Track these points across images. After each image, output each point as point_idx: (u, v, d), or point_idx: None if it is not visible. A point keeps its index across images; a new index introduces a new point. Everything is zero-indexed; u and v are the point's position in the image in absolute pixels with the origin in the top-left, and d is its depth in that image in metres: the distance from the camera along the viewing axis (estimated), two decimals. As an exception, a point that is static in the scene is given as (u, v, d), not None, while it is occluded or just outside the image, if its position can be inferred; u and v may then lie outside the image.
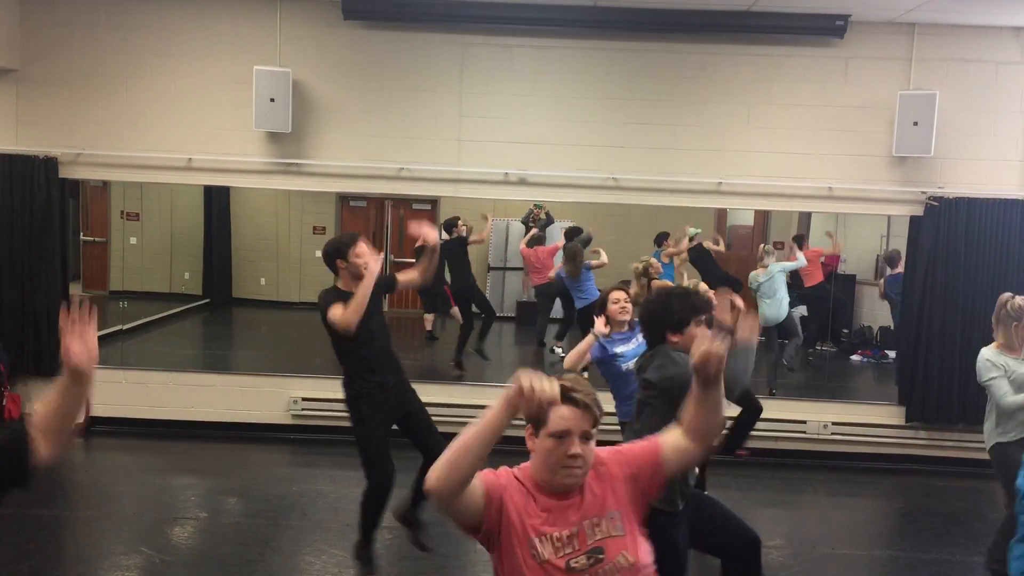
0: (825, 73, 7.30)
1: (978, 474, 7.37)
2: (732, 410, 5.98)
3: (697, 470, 4.95)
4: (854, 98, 7.30)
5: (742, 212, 12.09)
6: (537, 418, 2.29)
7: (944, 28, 7.20)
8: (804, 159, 7.35)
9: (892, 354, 9.26)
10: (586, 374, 5.03)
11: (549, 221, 11.74)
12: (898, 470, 7.46)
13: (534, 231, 11.47)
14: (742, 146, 7.37)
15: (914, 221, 7.41)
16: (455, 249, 9.91)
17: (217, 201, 11.56)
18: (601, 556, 2.26)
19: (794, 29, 7.16)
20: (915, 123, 7.01)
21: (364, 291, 4.64)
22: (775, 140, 7.35)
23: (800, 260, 9.57)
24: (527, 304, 11.85)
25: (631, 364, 4.74)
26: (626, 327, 4.92)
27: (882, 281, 10.22)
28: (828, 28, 7.09)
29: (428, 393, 7.63)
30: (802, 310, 10.22)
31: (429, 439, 4.90)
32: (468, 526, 2.31)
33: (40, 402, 2.24)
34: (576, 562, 2.24)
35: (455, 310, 10.42)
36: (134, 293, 10.58)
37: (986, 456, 5.07)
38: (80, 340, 2.22)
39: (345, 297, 4.76)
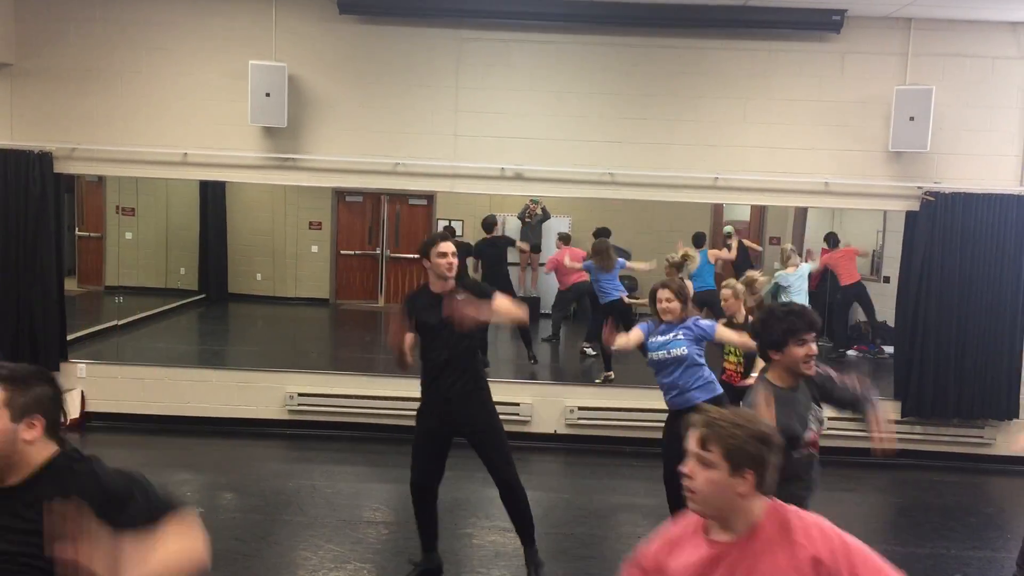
0: (821, 68, 7.30)
1: (973, 468, 7.40)
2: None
3: None
4: (850, 93, 7.30)
5: (738, 207, 12.12)
6: None
7: (940, 23, 7.20)
8: (800, 154, 7.35)
9: (889, 349, 9.27)
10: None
11: (545, 216, 11.76)
12: (894, 465, 7.46)
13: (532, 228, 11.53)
14: (738, 141, 7.37)
15: (910, 216, 7.42)
16: (494, 248, 9.90)
17: (213, 196, 11.56)
18: None
19: (790, 24, 7.15)
20: (911, 118, 7.01)
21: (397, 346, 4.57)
22: (771, 135, 7.35)
23: (812, 264, 9.65)
24: (523, 300, 11.86)
25: (654, 355, 5.01)
26: (670, 321, 5.06)
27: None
28: (824, 23, 7.09)
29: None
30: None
31: (494, 459, 4.78)
32: None
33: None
34: None
35: None
36: (129, 288, 10.59)
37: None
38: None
39: (419, 302, 4.68)
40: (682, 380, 4.96)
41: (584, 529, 5.76)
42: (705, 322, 5.09)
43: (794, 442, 3.29)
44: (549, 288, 11.56)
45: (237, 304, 12.59)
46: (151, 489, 2.27)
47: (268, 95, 7.06)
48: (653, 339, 5.06)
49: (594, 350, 9.88)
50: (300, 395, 7.59)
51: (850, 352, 10.55)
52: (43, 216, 7.36)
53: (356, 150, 7.40)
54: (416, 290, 4.86)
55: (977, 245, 7.25)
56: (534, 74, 7.38)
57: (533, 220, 11.67)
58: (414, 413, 7.49)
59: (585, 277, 9.72)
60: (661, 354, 4.98)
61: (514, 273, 12.18)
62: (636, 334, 5.16)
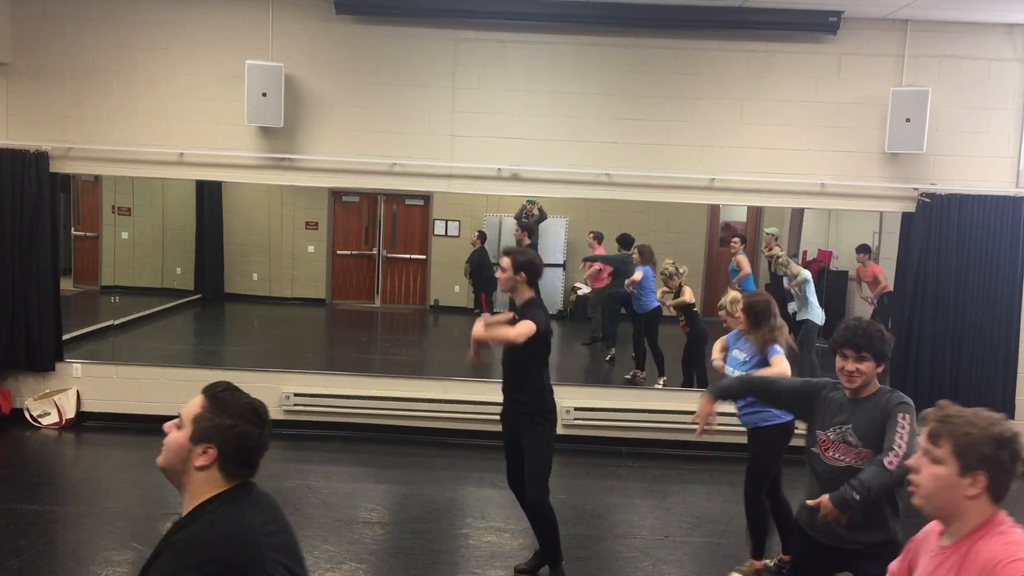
0: (818, 69, 7.31)
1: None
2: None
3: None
4: (847, 94, 7.31)
5: (735, 208, 12.12)
6: None
7: (936, 25, 7.21)
8: (797, 155, 7.36)
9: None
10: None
11: (542, 217, 11.74)
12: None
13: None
14: (735, 142, 7.37)
15: (906, 217, 7.43)
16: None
17: (209, 196, 11.53)
18: None
19: (787, 25, 7.16)
20: (907, 119, 7.02)
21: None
22: (768, 136, 7.36)
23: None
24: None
25: (733, 371, 5.02)
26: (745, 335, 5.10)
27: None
28: (821, 24, 7.10)
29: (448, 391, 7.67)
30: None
31: (526, 480, 4.88)
32: None
33: None
34: None
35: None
36: (125, 288, 10.56)
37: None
38: None
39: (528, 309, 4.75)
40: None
41: (580, 529, 5.76)
42: (776, 346, 4.92)
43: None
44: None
45: (233, 304, 12.56)
46: None
47: (264, 95, 7.06)
48: (733, 351, 5.18)
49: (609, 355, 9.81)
50: (296, 395, 7.58)
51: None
52: (39, 216, 7.35)
53: (353, 150, 7.40)
54: None
55: (973, 246, 7.26)
56: (531, 75, 7.38)
57: (530, 220, 11.66)
58: (409, 413, 7.55)
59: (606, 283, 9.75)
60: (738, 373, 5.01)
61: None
62: (721, 344, 5.40)
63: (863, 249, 10.13)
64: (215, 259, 12.23)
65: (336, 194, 12.43)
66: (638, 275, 8.75)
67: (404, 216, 12.83)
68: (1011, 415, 7.41)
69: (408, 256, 12.54)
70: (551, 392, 4.91)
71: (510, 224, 11.91)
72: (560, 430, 7.52)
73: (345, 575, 4.98)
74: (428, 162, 7.40)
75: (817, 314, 8.61)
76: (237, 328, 12.59)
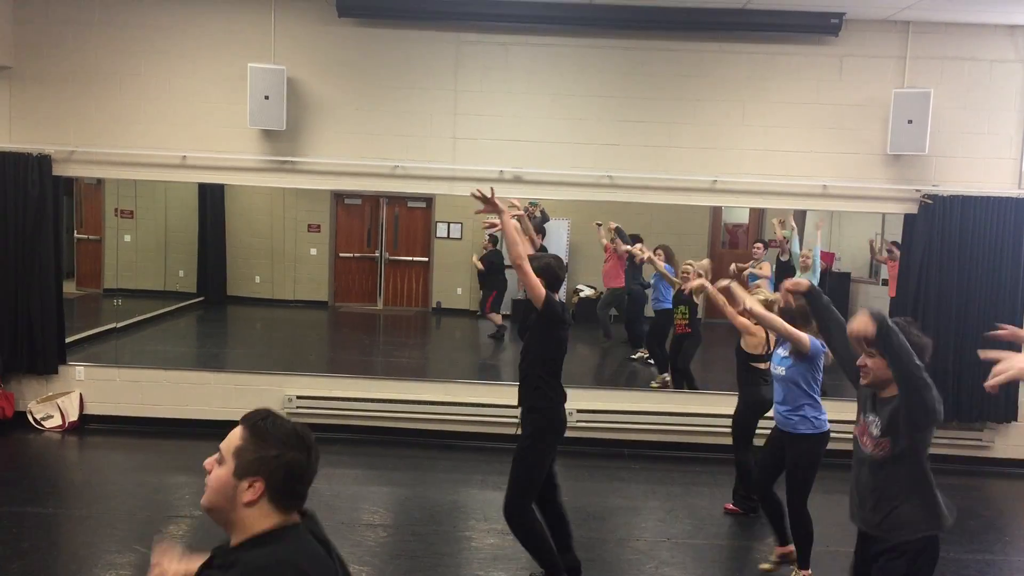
0: (820, 71, 7.31)
1: (972, 472, 7.39)
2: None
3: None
4: (849, 96, 7.31)
5: (736, 210, 12.12)
6: None
7: (938, 26, 7.21)
8: (799, 157, 7.36)
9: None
10: None
11: (545, 219, 11.74)
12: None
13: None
14: (737, 144, 7.38)
15: (908, 219, 7.42)
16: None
17: (211, 199, 11.53)
18: None
19: (789, 27, 7.16)
20: (909, 121, 7.02)
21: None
22: (770, 138, 7.36)
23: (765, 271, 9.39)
24: (522, 303, 11.83)
25: (777, 368, 5.03)
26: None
27: None
28: (823, 26, 7.10)
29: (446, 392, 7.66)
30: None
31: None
32: None
33: None
34: None
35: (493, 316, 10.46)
36: (128, 291, 10.56)
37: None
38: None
39: None
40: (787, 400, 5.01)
41: (583, 532, 5.75)
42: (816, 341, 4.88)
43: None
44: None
45: (235, 306, 12.56)
46: None
47: (267, 98, 7.07)
48: (777, 349, 5.17)
49: (647, 356, 9.67)
50: (299, 397, 7.59)
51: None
52: (42, 219, 7.36)
53: (355, 153, 7.40)
54: None
55: (975, 248, 7.26)
56: (533, 77, 7.39)
57: (533, 222, 11.68)
58: (412, 416, 7.55)
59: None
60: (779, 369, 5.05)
61: (514, 275, 12.22)
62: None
63: (897, 245, 10.09)
64: (217, 262, 12.23)
65: (338, 196, 12.43)
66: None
67: (406, 218, 12.82)
68: (1014, 416, 7.43)
69: (410, 258, 12.54)
70: (558, 403, 4.72)
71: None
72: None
73: (348, 578, 4.97)
74: (430, 164, 7.40)
75: None
76: (239, 331, 12.59)
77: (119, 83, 7.39)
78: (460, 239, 12.13)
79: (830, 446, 8.01)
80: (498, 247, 10.86)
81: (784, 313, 4.93)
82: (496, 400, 7.35)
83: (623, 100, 7.39)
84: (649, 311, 9.45)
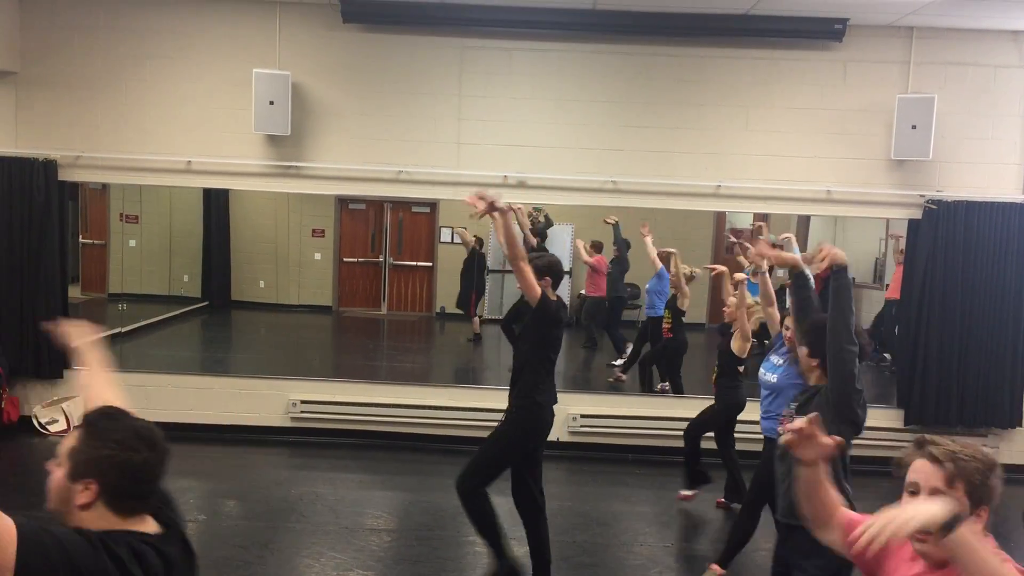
0: (824, 76, 7.32)
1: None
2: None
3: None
4: (853, 101, 7.31)
5: (740, 215, 12.11)
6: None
7: (942, 32, 7.21)
8: (803, 162, 7.36)
9: (890, 357, 9.24)
10: None
11: (548, 224, 11.75)
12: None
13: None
14: (741, 149, 7.38)
15: (912, 224, 7.42)
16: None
17: (216, 204, 11.56)
18: None
19: (793, 33, 7.17)
20: (913, 126, 7.02)
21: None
22: (774, 143, 7.36)
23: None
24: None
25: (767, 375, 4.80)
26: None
27: None
28: (827, 32, 7.11)
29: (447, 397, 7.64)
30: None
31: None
32: None
33: None
34: None
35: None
36: (133, 295, 10.58)
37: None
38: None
39: None
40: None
41: (587, 537, 5.75)
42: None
43: None
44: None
45: (240, 311, 12.58)
46: None
47: (272, 103, 7.09)
48: (770, 356, 4.94)
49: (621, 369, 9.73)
50: (303, 402, 7.59)
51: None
52: (47, 224, 7.38)
53: (359, 158, 7.42)
54: None
55: (979, 253, 7.25)
56: (536, 82, 7.40)
57: (536, 228, 11.68)
58: (416, 421, 7.55)
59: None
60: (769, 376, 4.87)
61: (514, 280, 12.19)
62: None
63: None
64: (222, 266, 12.26)
65: (343, 201, 12.44)
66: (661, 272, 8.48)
67: (410, 223, 12.83)
68: (1018, 422, 7.41)
69: (414, 263, 12.54)
70: (547, 404, 4.75)
71: (515, 232, 11.91)
72: (566, 437, 7.57)
73: (351, 582, 4.98)
74: (434, 169, 7.42)
75: None
76: (244, 335, 12.61)
77: (124, 88, 7.42)
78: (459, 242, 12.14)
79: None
80: (483, 249, 10.90)
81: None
82: (500, 405, 7.31)
83: (627, 105, 7.40)
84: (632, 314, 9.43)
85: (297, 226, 12.50)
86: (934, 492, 2.00)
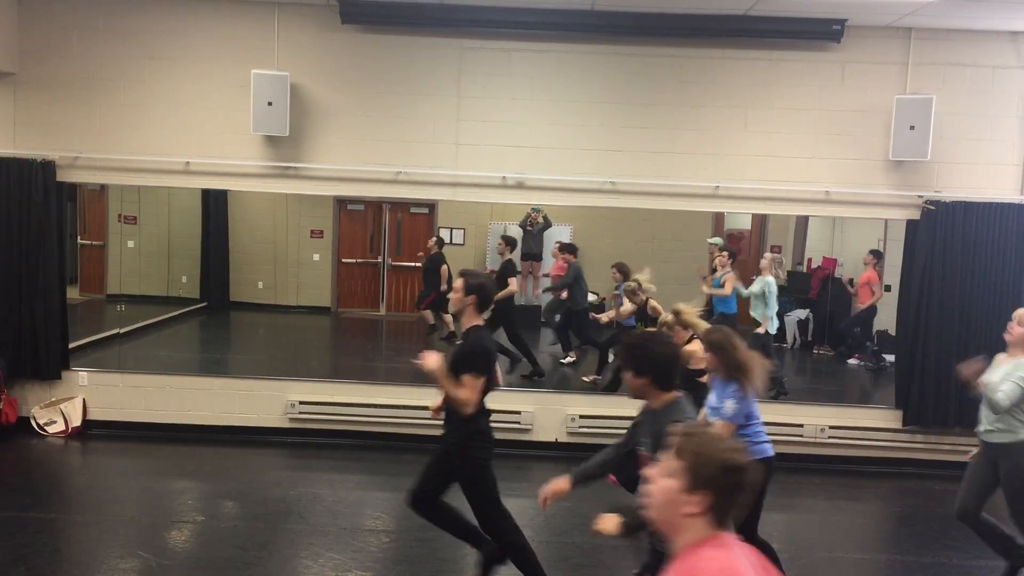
0: (822, 77, 7.32)
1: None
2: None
3: None
4: (851, 102, 7.32)
5: (739, 216, 12.12)
6: None
7: (941, 32, 7.22)
8: (801, 163, 7.37)
9: (890, 358, 9.26)
10: None
11: (547, 225, 11.76)
12: (896, 473, 7.46)
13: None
14: (739, 150, 7.38)
15: (911, 225, 7.42)
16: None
17: (215, 204, 11.57)
18: None
19: (791, 33, 7.17)
20: (912, 127, 7.03)
21: None
22: (772, 144, 7.37)
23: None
24: (520, 308, 11.78)
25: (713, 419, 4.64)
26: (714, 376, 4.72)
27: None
28: (825, 32, 7.11)
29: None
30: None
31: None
32: None
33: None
34: None
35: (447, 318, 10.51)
36: (131, 296, 10.58)
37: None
38: None
39: None
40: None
41: (585, 538, 5.74)
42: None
43: None
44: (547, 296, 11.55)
45: (238, 312, 12.58)
46: None
47: (270, 104, 7.09)
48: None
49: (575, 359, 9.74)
50: (301, 403, 7.59)
51: (850, 361, 10.54)
52: (45, 224, 7.38)
53: (358, 159, 7.42)
54: None
55: (977, 254, 7.26)
56: (535, 83, 7.41)
57: (535, 229, 11.67)
58: (415, 421, 7.55)
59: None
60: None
61: (515, 282, 12.21)
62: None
63: (874, 254, 10.04)
64: (220, 267, 12.27)
65: (341, 202, 12.45)
66: (628, 308, 8.16)
67: (409, 224, 12.84)
68: (1017, 423, 7.39)
69: (413, 264, 12.55)
70: (483, 425, 4.79)
71: (515, 232, 11.93)
72: (565, 438, 7.58)
73: (350, 583, 4.98)
74: (433, 170, 7.42)
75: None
76: (242, 336, 12.61)
77: (123, 89, 7.42)
78: (463, 244, 12.14)
79: (831, 451, 8.01)
80: (442, 249, 10.92)
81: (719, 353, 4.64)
82: (500, 407, 7.33)
83: (625, 106, 7.41)
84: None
85: (296, 227, 12.51)
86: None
